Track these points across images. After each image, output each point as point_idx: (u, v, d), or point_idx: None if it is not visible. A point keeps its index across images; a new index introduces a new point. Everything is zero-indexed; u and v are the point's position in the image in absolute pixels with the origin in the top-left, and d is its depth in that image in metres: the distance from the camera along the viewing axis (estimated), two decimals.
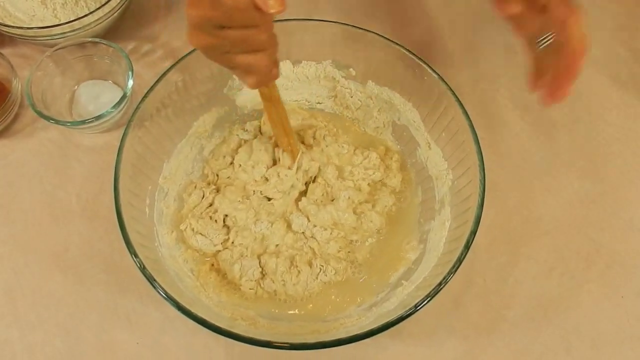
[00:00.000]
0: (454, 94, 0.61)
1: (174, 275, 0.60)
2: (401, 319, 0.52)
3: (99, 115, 0.70)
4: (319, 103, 0.74)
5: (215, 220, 0.65)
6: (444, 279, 0.53)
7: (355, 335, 0.51)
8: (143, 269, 0.54)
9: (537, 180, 0.71)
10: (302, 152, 0.66)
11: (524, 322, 0.63)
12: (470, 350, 0.62)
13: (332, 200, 0.66)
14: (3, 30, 0.73)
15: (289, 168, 0.65)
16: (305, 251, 0.64)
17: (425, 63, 0.63)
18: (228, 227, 0.66)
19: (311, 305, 0.62)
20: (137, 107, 0.61)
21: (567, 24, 0.52)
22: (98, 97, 0.76)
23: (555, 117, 0.75)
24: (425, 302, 0.52)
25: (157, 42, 0.81)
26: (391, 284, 0.62)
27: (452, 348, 0.62)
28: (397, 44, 0.64)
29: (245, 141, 0.70)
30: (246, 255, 0.64)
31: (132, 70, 0.71)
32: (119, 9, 0.75)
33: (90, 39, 0.74)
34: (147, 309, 0.63)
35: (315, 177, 0.68)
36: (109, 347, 0.62)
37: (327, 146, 0.69)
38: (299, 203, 0.66)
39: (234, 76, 0.66)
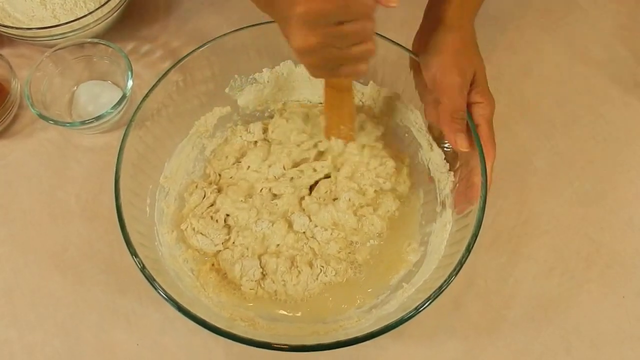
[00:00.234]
0: None
1: (173, 275, 0.60)
2: (401, 321, 0.52)
3: (98, 116, 0.70)
4: (320, 103, 0.74)
5: (217, 220, 0.65)
6: (444, 282, 0.53)
7: (355, 337, 0.51)
8: (143, 269, 0.54)
9: (537, 180, 0.71)
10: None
11: (524, 322, 0.63)
12: (470, 350, 0.62)
13: (334, 200, 0.66)
14: (2, 31, 0.73)
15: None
16: (306, 251, 0.64)
17: None
18: (229, 227, 0.66)
19: (311, 306, 0.62)
20: (139, 107, 0.62)
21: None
22: (97, 97, 0.76)
23: (555, 117, 0.75)
24: (426, 305, 0.52)
25: (157, 43, 0.81)
26: (391, 286, 0.62)
27: (453, 348, 0.62)
28: (397, 44, 0.64)
29: (250, 143, 0.70)
30: (247, 255, 0.64)
31: (132, 71, 0.71)
32: (118, 9, 0.75)
33: (89, 40, 0.74)
34: (147, 309, 0.63)
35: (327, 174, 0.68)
36: (108, 347, 0.62)
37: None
38: (303, 202, 0.66)
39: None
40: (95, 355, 0.62)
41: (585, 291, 0.64)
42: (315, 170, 0.67)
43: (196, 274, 0.63)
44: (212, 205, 0.66)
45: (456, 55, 0.57)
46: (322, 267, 0.63)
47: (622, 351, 0.61)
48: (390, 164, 0.66)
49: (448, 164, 0.64)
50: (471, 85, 0.59)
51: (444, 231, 0.61)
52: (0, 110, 0.71)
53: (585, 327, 0.62)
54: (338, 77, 0.56)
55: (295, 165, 0.67)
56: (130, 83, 0.71)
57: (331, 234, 0.64)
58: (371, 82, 0.69)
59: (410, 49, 0.64)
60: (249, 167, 0.68)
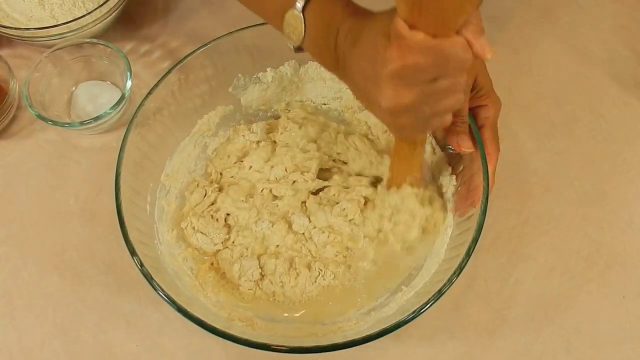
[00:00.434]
0: None
1: (172, 274, 0.60)
2: (400, 324, 0.52)
3: (97, 116, 0.70)
4: (324, 104, 0.73)
5: (217, 219, 0.65)
6: (444, 285, 0.53)
7: (353, 340, 0.51)
8: (141, 267, 0.54)
9: (537, 180, 0.70)
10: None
11: (524, 322, 0.63)
12: (471, 350, 0.61)
13: (336, 204, 0.65)
14: (0, 31, 0.73)
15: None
16: (305, 253, 0.64)
17: None
18: (229, 227, 0.65)
19: (310, 307, 0.62)
20: (141, 104, 0.62)
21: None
22: (96, 98, 0.75)
23: (555, 117, 0.74)
24: (425, 308, 0.52)
25: (156, 43, 0.81)
26: (391, 289, 0.62)
27: (453, 349, 0.61)
28: None
29: (252, 142, 0.70)
30: (246, 255, 0.64)
31: (131, 71, 0.71)
32: (116, 9, 0.75)
33: (88, 40, 0.73)
34: (146, 310, 0.63)
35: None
36: (107, 348, 0.62)
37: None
38: (307, 201, 0.66)
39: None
40: (94, 356, 0.61)
41: (586, 291, 0.64)
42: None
43: (195, 272, 0.63)
44: (212, 204, 0.66)
45: None
46: (321, 270, 0.62)
47: (622, 351, 0.61)
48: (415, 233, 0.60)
49: (450, 167, 0.64)
50: (474, 88, 0.58)
51: (445, 235, 0.61)
52: None
53: (585, 327, 0.62)
54: (424, 133, 0.53)
55: (297, 169, 0.67)
56: (129, 83, 0.71)
57: (328, 236, 0.64)
58: None
59: None
60: (250, 166, 0.68)
